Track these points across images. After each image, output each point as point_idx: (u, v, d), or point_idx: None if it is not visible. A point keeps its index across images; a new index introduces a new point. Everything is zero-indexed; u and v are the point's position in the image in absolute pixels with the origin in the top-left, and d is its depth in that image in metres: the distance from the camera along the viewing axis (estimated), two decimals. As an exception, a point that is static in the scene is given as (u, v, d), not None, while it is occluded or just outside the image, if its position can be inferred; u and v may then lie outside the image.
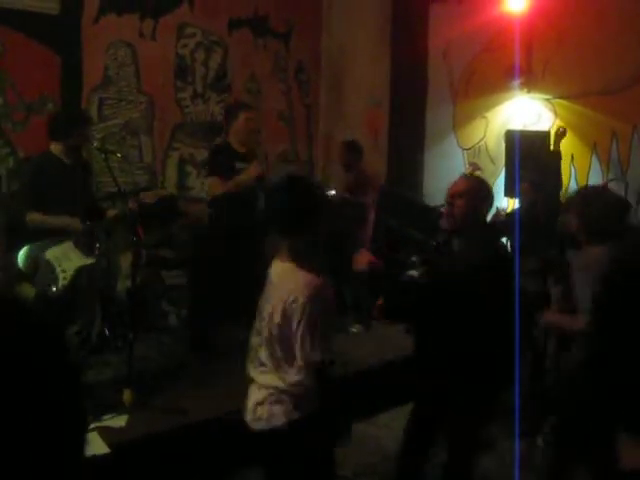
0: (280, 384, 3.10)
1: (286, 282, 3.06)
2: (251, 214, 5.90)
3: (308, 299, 2.95)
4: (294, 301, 2.97)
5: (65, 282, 4.76)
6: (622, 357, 0.77)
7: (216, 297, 6.04)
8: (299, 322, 2.96)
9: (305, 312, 2.95)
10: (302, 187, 3.21)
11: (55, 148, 5.11)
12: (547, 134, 7.47)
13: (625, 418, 0.80)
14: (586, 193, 4.19)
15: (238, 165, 5.94)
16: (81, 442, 0.86)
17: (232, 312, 6.20)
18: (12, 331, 0.81)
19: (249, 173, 5.84)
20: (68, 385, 0.84)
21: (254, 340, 3.27)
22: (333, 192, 7.47)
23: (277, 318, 3.02)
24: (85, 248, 4.99)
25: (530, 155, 7.13)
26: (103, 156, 5.40)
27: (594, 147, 7.46)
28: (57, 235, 4.92)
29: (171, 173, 8.00)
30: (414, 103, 8.74)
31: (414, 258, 7.91)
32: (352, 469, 4.77)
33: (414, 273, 7.88)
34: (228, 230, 5.89)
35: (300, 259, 3.07)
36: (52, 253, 4.83)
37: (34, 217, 4.92)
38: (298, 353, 2.99)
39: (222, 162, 6.00)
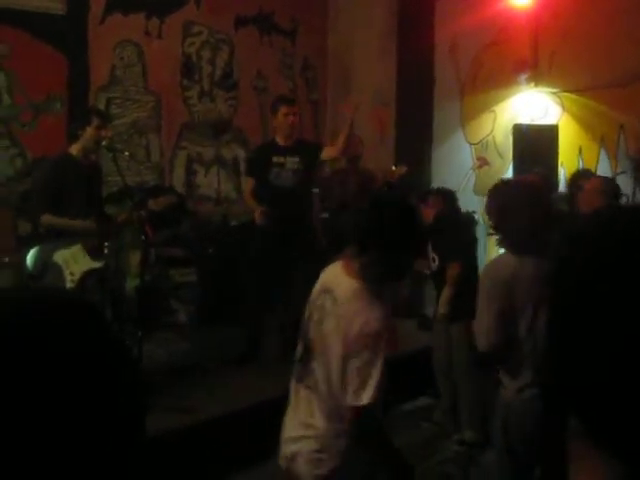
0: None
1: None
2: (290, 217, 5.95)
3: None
4: None
5: (72, 285, 4.77)
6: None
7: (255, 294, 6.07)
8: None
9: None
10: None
11: (74, 149, 5.13)
12: (555, 127, 7.45)
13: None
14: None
15: (275, 159, 6.03)
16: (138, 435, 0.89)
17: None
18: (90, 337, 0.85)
19: (255, 213, 5.92)
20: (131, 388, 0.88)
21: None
22: None
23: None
24: (94, 251, 5.00)
25: (538, 149, 7.13)
26: (111, 155, 5.42)
27: (602, 140, 7.43)
28: (67, 237, 4.94)
29: (179, 172, 8.01)
30: (421, 98, 8.71)
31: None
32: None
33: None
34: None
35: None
36: (61, 256, 4.84)
37: (48, 219, 4.94)
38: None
39: (257, 161, 6.23)
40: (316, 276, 3.04)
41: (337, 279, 2.79)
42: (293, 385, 2.91)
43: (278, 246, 5.94)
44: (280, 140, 6.13)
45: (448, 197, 5.88)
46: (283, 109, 6.09)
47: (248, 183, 6.35)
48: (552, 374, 0.81)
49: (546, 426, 3.05)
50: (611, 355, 0.74)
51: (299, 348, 2.88)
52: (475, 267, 5.58)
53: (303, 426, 2.81)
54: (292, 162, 6.02)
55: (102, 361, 0.83)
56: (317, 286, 2.90)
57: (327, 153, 6.04)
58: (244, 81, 8.56)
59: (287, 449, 2.86)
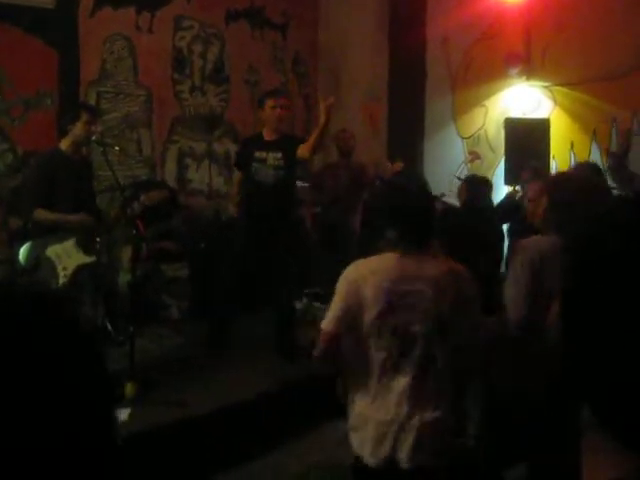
0: None
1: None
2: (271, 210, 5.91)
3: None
4: None
5: (65, 280, 4.76)
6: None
7: (228, 289, 6.04)
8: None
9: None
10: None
11: (64, 144, 5.10)
12: (546, 121, 7.46)
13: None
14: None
15: (258, 154, 5.96)
16: (109, 427, 0.87)
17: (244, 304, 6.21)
18: (47, 326, 0.83)
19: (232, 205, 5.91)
20: (96, 374, 0.86)
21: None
22: None
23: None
24: (86, 246, 4.98)
25: (530, 142, 7.13)
26: (101, 150, 5.39)
27: (594, 134, 7.44)
28: (60, 233, 4.92)
29: (170, 166, 7.98)
30: (413, 92, 8.71)
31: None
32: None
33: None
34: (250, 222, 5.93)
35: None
36: (53, 250, 4.83)
37: (41, 214, 4.91)
38: None
39: (242, 155, 6.20)
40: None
41: (410, 266, 2.97)
42: (387, 383, 2.95)
43: (259, 242, 5.90)
44: (267, 134, 6.05)
45: (471, 186, 5.86)
46: (270, 102, 6.02)
47: (237, 176, 6.36)
48: (565, 366, 0.81)
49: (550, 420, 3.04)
50: (622, 346, 0.73)
51: (390, 345, 2.91)
52: (487, 258, 5.50)
53: (416, 416, 2.90)
54: (274, 158, 5.92)
55: (67, 355, 0.82)
56: (377, 285, 2.93)
57: (300, 152, 5.95)
58: (235, 75, 8.53)
59: (404, 447, 2.88)
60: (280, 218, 5.94)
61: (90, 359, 0.86)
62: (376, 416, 2.92)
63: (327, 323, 2.96)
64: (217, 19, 8.32)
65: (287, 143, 6.00)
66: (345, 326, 2.93)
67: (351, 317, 2.91)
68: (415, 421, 2.87)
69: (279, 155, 5.91)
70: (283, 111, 6.04)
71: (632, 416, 0.73)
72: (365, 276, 2.93)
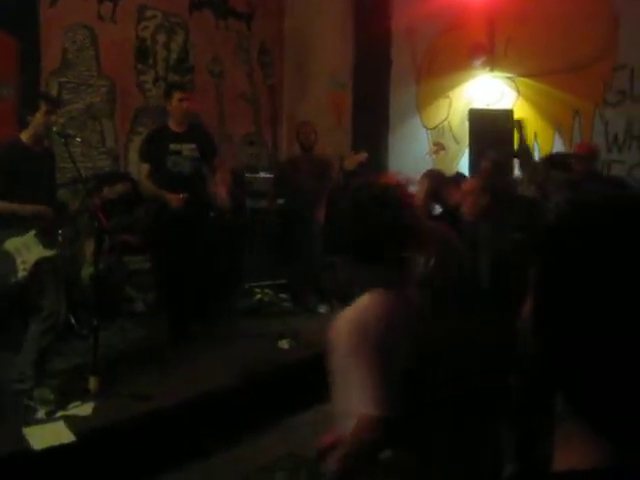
0: None
1: None
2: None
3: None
4: None
5: (25, 273, 4.69)
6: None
7: (181, 284, 6.05)
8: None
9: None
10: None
11: (24, 136, 5.01)
12: (510, 112, 7.51)
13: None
14: None
15: (172, 146, 6.00)
16: None
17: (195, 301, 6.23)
18: None
19: (170, 200, 5.84)
20: None
21: None
22: None
23: None
24: (47, 239, 4.91)
25: (494, 133, 7.17)
26: (63, 141, 5.31)
27: (557, 125, 7.51)
28: (19, 226, 4.84)
29: (134, 157, 7.89)
30: (378, 83, 8.71)
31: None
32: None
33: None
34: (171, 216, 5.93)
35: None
36: (13, 244, 4.75)
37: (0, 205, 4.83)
38: None
39: (152, 149, 6.11)
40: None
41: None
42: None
43: (187, 232, 5.93)
44: (174, 126, 6.10)
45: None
46: (177, 94, 6.05)
47: (144, 169, 6.20)
48: (540, 357, 0.82)
49: None
50: (600, 336, 0.75)
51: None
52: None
53: None
54: (188, 149, 6.02)
55: None
56: None
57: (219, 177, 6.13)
58: (200, 65, 8.48)
59: None
60: (197, 207, 5.99)
61: None
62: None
63: None
64: (181, 8, 8.25)
65: (198, 135, 6.16)
66: None
67: None
68: None
69: (193, 146, 6.04)
70: (190, 104, 6.10)
71: (607, 404, 0.75)
72: None
